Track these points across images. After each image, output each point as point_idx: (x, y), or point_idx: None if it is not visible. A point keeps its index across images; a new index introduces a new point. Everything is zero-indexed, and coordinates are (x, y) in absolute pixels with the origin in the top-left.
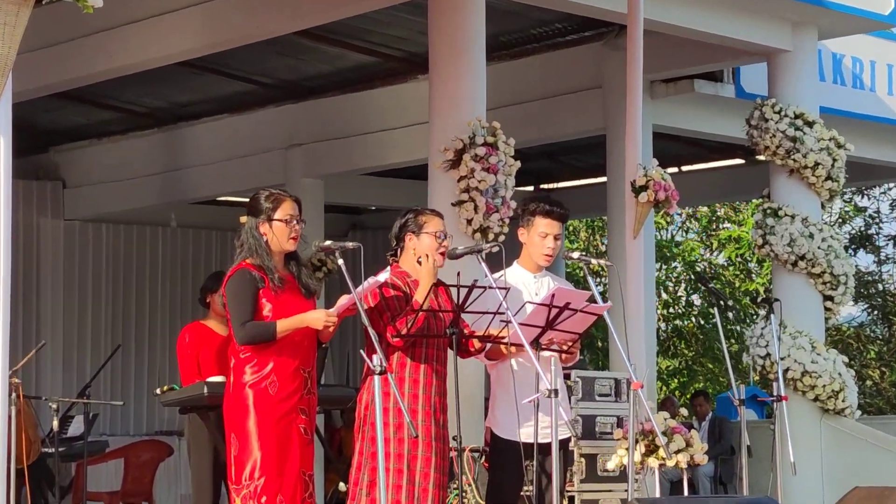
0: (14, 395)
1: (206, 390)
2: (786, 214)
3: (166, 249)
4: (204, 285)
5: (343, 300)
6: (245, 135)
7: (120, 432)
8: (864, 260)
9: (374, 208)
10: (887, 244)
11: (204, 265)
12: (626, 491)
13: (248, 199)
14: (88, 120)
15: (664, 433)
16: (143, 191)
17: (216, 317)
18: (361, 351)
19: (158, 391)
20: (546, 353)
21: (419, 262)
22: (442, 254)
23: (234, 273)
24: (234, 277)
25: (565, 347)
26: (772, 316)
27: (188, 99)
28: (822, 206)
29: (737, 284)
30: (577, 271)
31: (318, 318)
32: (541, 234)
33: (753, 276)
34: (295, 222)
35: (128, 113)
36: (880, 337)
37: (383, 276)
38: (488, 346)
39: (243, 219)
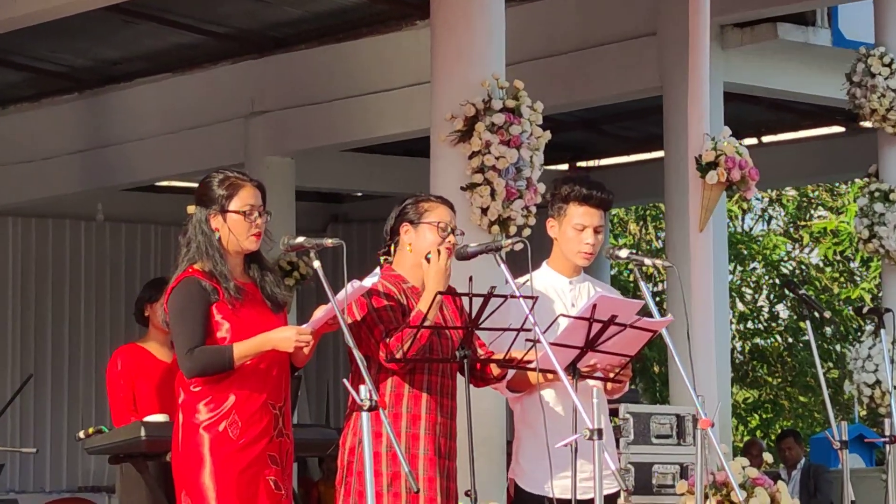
0: None
1: (143, 433)
2: None
3: (91, 249)
4: (141, 296)
5: (320, 312)
6: (192, 100)
7: (32, 488)
8: None
9: (359, 195)
10: None
11: (140, 270)
12: None
13: (197, 185)
14: None
15: (742, 486)
16: (61, 174)
17: (158, 336)
18: (345, 380)
19: (82, 434)
20: (589, 383)
21: (427, 260)
22: (447, 251)
23: (179, 283)
24: (178, 289)
25: (611, 374)
26: (882, 332)
27: (118, 55)
28: None
29: (835, 291)
30: (626, 275)
31: (287, 337)
32: (576, 227)
33: (857, 279)
34: (257, 214)
35: (40, 73)
36: None
37: (371, 279)
38: (510, 373)
39: (191, 208)
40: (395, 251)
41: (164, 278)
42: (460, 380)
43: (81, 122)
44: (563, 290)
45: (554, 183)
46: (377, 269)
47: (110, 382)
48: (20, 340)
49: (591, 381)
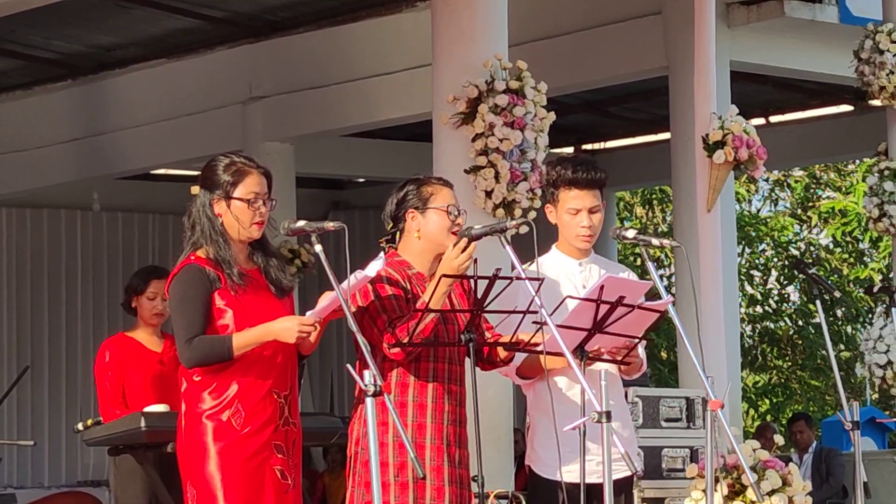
0: None
1: (143, 423)
2: None
3: (87, 240)
4: (129, 284)
5: (325, 300)
6: (189, 86)
7: (31, 483)
8: None
9: (361, 181)
10: None
11: (138, 260)
12: None
13: (195, 172)
14: None
15: (753, 468)
16: (56, 163)
17: (146, 326)
18: (348, 366)
19: (81, 426)
20: (598, 366)
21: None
22: (454, 233)
23: (180, 270)
24: (178, 277)
25: (619, 357)
26: (893, 311)
27: (113, 41)
28: None
29: (845, 272)
30: (632, 258)
31: (289, 327)
32: (569, 212)
33: (867, 259)
34: (261, 203)
35: (32, 60)
36: None
37: (375, 266)
38: (518, 356)
39: (195, 189)
40: (400, 237)
41: (154, 267)
42: (467, 366)
43: (76, 109)
44: (572, 273)
45: (546, 167)
46: (381, 255)
47: (98, 375)
48: (16, 332)
49: (600, 364)
